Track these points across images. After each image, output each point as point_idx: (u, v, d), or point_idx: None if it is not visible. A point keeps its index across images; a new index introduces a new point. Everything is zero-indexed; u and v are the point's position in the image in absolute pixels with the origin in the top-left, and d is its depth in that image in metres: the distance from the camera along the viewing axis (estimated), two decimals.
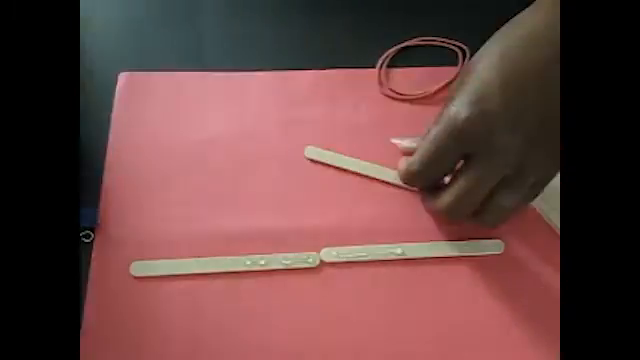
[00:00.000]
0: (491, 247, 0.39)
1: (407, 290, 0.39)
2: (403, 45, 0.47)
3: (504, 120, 0.34)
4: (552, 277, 0.39)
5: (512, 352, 0.37)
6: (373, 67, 0.46)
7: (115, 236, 0.40)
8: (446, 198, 0.36)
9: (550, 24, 0.34)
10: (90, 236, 0.40)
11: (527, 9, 0.36)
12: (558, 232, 0.40)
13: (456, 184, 0.36)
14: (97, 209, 0.40)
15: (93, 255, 0.39)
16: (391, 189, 0.42)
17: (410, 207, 0.41)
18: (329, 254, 0.39)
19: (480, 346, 0.37)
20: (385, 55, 0.46)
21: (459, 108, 0.34)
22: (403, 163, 0.38)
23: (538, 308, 0.38)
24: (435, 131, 0.35)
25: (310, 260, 0.39)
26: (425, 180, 0.38)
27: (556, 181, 0.35)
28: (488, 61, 0.35)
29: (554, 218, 0.39)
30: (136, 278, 0.39)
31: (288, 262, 0.39)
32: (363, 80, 0.45)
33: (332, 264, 0.39)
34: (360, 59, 0.46)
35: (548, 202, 0.40)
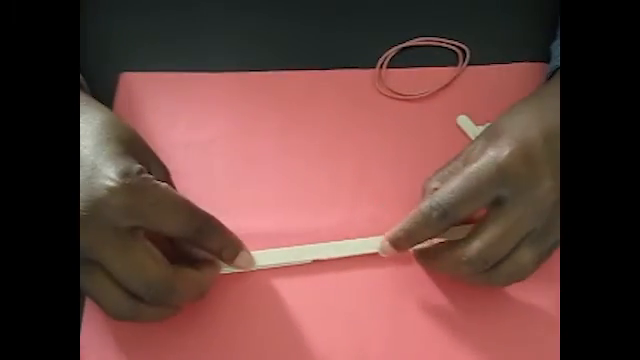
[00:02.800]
0: None
1: (406, 286, 0.39)
2: (403, 45, 0.47)
3: (547, 163, 0.32)
4: (552, 275, 0.39)
5: (510, 350, 0.37)
6: (373, 67, 0.46)
7: None
8: (475, 244, 0.32)
9: None
10: None
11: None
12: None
13: (487, 229, 0.33)
14: None
15: None
16: (389, 189, 0.41)
17: (409, 207, 0.41)
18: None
19: (478, 342, 0.37)
20: (385, 55, 0.46)
21: (501, 147, 0.33)
22: (420, 208, 0.34)
23: (537, 306, 0.38)
24: (472, 169, 0.33)
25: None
26: (447, 224, 0.34)
27: None
28: (522, 117, 0.34)
29: None
30: None
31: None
32: (363, 80, 0.45)
33: (326, 261, 0.39)
34: (360, 59, 0.46)
35: None
